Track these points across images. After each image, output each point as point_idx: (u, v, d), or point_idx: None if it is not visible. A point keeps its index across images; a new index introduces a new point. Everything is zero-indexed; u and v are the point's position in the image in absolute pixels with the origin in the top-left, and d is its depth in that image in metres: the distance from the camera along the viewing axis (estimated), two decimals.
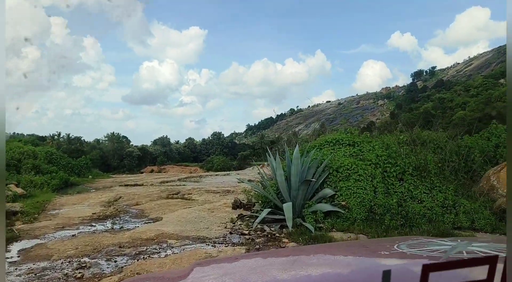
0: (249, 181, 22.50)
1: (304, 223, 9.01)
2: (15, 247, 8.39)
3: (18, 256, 7.64)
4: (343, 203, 9.35)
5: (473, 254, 1.41)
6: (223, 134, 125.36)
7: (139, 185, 24.25)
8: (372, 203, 9.31)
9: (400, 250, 1.57)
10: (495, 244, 1.66)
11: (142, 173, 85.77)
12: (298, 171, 9.60)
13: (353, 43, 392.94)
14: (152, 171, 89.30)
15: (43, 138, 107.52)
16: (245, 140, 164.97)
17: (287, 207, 9.01)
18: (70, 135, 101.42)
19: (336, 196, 9.65)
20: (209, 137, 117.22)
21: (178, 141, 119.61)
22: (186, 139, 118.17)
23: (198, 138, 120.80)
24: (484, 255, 1.37)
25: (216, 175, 37.88)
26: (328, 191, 9.67)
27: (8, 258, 7.54)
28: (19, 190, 16.21)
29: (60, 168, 28.18)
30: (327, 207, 9.28)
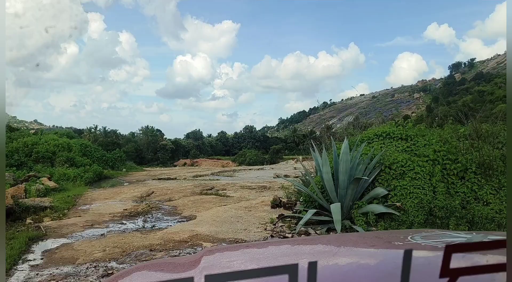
0: (285, 176, 21.61)
1: (353, 226, 7.99)
2: (40, 247, 7.75)
3: (42, 258, 6.97)
4: (397, 204, 8.24)
5: None
6: (255, 128, 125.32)
7: (172, 179, 23.68)
8: (431, 205, 8.17)
9: (414, 241, 1.52)
10: None
11: (175, 166, 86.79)
12: (347, 167, 8.55)
13: (387, 36, 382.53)
14: (184, 164, 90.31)
15: (80, 131, 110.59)
16: (277, 134, 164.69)
17: (335, 208, 7.99)
18: (107, 129, 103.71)
19: (389, 196, 8.54)
20: (241, 131, 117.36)
21: (210, 135, 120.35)
22: (218, 133, 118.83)
23: (230, 132, 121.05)
24: None
25: (250, 169, 36.96)
26: (380, 190, 8.57)
27: (31, 260, 6.89)
28: (51, 184, 15.83)
29: (94, 161, 27.96)
30: (379, 208, 8.20)
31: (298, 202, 10.47)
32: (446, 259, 0.68)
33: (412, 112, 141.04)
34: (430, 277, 0.91)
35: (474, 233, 1.69)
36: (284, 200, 11.22)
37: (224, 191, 15.73)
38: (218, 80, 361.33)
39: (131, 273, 1.52)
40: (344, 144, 8.71)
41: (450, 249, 0.68)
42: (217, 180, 22.41)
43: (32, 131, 35.85)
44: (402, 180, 8.62)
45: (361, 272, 1.26)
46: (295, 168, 30.15)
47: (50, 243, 8.05)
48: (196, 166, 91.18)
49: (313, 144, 9.68)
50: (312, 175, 10.31)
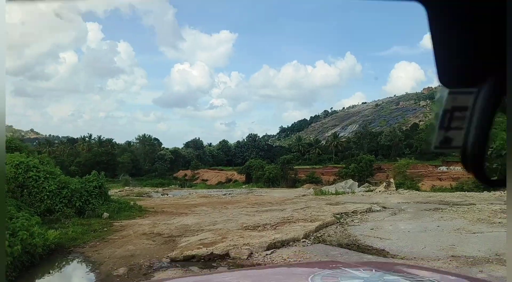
0: None
1: None
2: None
3: None
4: None
5: None
6: (258, 136, 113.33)
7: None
8: None
9: None
10: (409, 277, 1.49)
11: (175, 178, 72.70)
12: None
13: (384, 45, 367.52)
14: (185, 176, 77.09)
15: (75, 140, 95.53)
16: (278, 142, 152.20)
17: None
18: (102, 137, 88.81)
19: None
20: (244, 139, 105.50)
21: (210, 144, 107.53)
22: (219, 142, 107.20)
23: (229, 141, 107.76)
24: None
25: (387, 209, 16.58)
26: None
27: None
28: None
29: (42, 202, 12.39)
30: None
31: None
32: None
33: (420, 121, 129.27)
34: None
35: (373, 270, 1.51)
36: None
37: None
38: (216, 89, 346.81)
39: None
40: None
41: None
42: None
43: None
44: None
45: None
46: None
47: None
48: (197, 177, 77.85)
49: None
50: None
